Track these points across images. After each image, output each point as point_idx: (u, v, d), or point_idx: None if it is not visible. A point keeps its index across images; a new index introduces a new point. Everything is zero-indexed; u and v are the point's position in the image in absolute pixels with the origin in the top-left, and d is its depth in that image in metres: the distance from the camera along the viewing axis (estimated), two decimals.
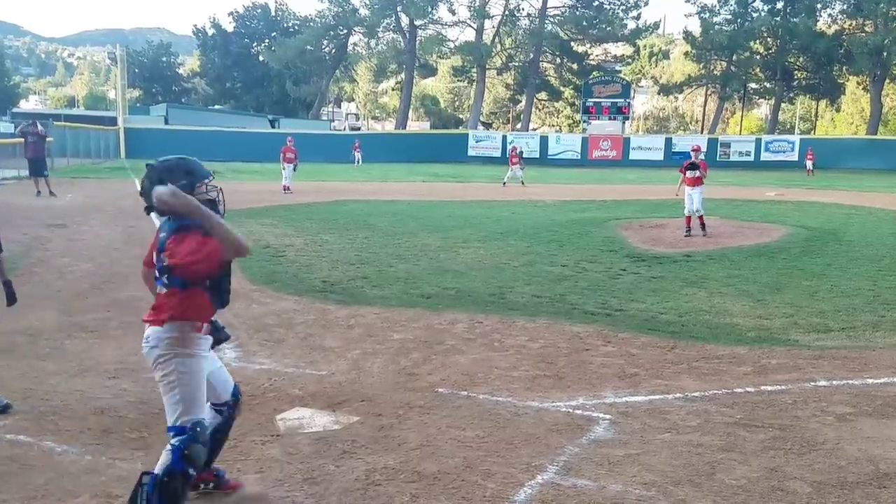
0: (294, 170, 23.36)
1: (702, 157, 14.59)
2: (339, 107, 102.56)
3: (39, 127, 21.20)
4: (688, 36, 64.05)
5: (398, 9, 61.35)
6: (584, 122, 55.83)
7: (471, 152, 51.40)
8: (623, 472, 3.97)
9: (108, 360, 5.83)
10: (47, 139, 22.50)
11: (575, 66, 65.02)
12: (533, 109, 69.96)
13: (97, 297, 8.01)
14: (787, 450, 4.29)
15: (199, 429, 3.26)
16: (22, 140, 21.50)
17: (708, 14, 61.46)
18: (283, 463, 4.05)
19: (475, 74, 64.73)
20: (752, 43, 60.77)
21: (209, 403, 3.50)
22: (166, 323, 3.27)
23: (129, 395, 5.07)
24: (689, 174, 13.82)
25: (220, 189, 3.61)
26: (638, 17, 62.45)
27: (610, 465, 4.06)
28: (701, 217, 13.72)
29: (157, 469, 3.21)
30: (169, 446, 3.24)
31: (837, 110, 73.26)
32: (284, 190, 22.75)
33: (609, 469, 4.01)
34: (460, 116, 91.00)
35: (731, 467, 4.05)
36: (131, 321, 7.02)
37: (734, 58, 61.69)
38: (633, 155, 50.95)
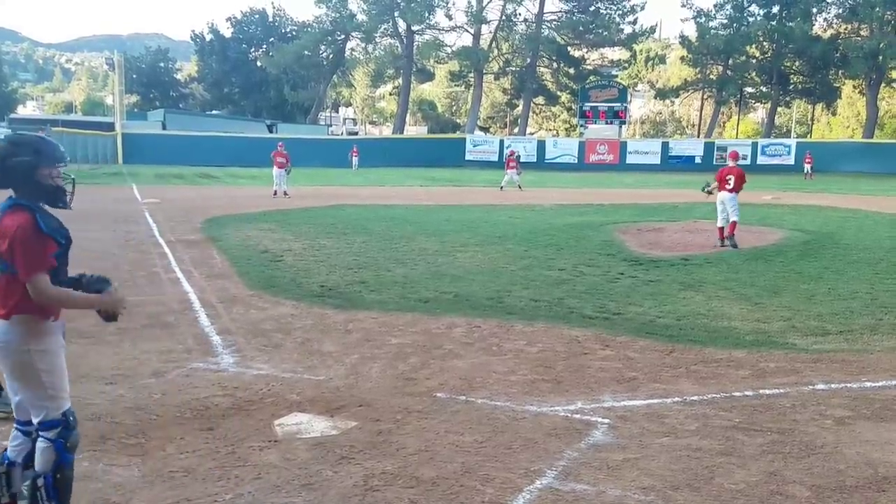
0: (287, 173, 23.27)
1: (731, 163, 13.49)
2: (337, 111, 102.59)
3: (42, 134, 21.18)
4: (684, 40, 64.24)
5: (395, 14, 61.48)
6: (581, 126, 56.02)
7: (468, 157, 51.51)
8: (622, 476, 3.96)
9: (104, 366, 5.81)
10: None
11: (572, 71, 65.20)
12: (530, 114, 70.15)
13: None
14: (786, 454, 4.28)
15: (71, 417, 3.25)
16: None
17: (704, 18, 61.63)
18: (280, 469, 4.03)
19: (472, 79, 64.85)
20: (748, 47, 60.90)
21: (14, 426, 3.33)
22: (13, 315, 3.09)
23: (125, 401, 5.05)
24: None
25: (74, 180, 3.40)
26: (634, 22, 62.68)
27: (609, 469, 4.05)
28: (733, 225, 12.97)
29: (43, 467, 3.17)
30: (46, 442, 3.18)
31: (833, 114, 73.49)
32: (274, 195, 22.71)
33: (608, 474, 4.00)
34: (458, 121, 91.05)
35: (730, 471, 4.04)
36: (128, 327, 7.01)
37: (730, 62, 61.84)
38: (630, 159, 51.12)
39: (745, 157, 49.78)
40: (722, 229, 13.04)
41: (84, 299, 3.26)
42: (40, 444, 3.20)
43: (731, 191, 12.96)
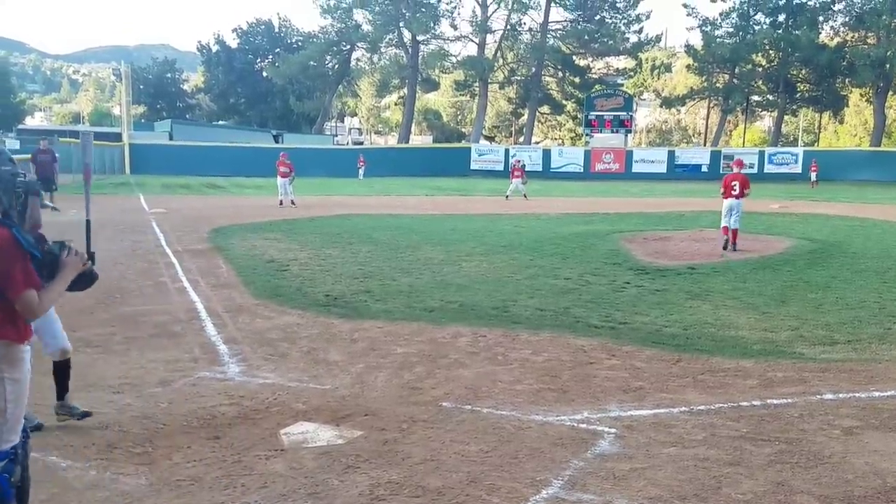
0: (290, 182, 23.30)
1: (736, 170, 14.55)
2: (343, 121, 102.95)
3: (45, 143, 21.25)
4: (690, 49, 64.24)
5: (400, 24, 61.78)
6: (587, 135, 56.02)
7: (473, 166, 51.59)
8: (628, 486, 3.95)
9: (112, 375, 5.83)
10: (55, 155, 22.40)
11: (577, 80, 65.29)
12: (535, 123, 70.17)
13: (102, 313, 8.02)
14: (794, 464, 4.26)
15: (19, 451, 3.10)
16: (30, 158, 21.49)
17: (710, 27, 61.67)
18: (287, 478, 4.03)
19: (477, 88, 65.08)
20: (754, 55, 60.91)
21: None
22: None
23: (133, 409, 5.07)
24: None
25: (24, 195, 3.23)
26: (640, 31, 62.86)
27: (615, 479, 4.04)
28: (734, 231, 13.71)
29: None
30: None
31: (841, 122, 73.34)
32: (280, 204, 22.75)
33: (614, 483, 3.98)
34: (463, 130, 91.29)
35: (738, 481, 4.02)
36: (135, 336, 7.06)
37: (736, 70, 61.83)
38: (636, 168, 51.10)
39: (751, 166, 49.78)
40: (727, 228, 13.45)
41: (56, 290, 3.12)
42: None
43: (737, 197, 13.35)
